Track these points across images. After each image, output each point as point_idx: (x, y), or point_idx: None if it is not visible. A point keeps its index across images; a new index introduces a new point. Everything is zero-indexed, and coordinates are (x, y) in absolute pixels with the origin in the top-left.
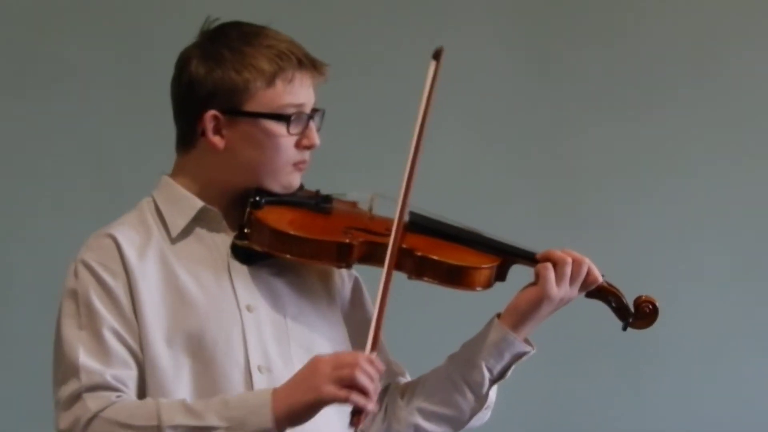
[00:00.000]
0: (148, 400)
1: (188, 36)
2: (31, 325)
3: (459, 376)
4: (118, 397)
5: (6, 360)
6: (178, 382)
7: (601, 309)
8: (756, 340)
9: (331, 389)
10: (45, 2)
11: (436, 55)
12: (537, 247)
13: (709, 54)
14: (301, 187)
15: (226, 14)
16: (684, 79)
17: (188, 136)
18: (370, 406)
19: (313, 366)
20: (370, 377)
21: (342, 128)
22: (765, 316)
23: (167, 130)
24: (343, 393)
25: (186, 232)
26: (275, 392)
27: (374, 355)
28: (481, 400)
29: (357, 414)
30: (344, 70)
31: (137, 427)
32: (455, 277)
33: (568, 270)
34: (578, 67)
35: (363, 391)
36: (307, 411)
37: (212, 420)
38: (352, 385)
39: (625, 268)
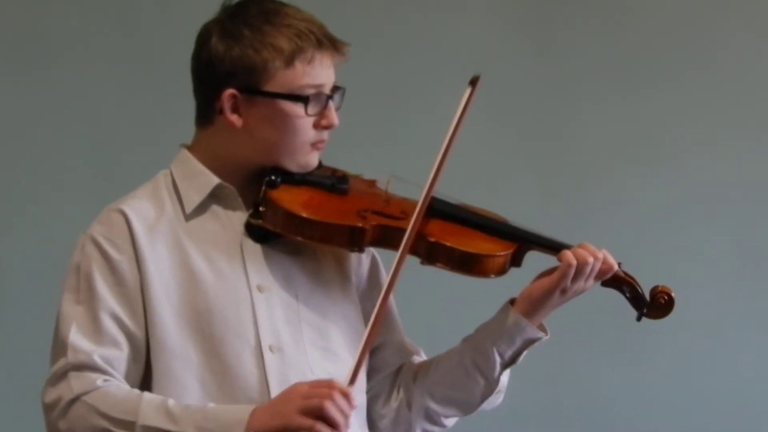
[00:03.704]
0: (133, 393)
1: (188, 8)
2: (29, 313)
3: (470, 361)
4: (105, 381)
5: (3, 342)
6: (186, 362)
7: (599, 289)
8: (756, 320)
9: (297, 418)
10: None
11: (473, 82)
12: (544, 228)
13: (710, 31)
14: (320, 164)
15: None
16: (685, 58)
17: (206, 112)
18: None
19: (288, 392)
20: (340, 410)
21: (350, 107)
22: (762, 296)
23: (169, 113)
24: (308, 422)
25: (201, 208)
26: (254, 411)
27: (351, 389)
28: (491, 384)
29: None
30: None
31: (114, 420)
32: (468, 264)
33: (588, 270)
34: (577, 46)
35: (330, 424)
36: None
37: (186, 427)
38: (320, 416)
39: (626, 246)
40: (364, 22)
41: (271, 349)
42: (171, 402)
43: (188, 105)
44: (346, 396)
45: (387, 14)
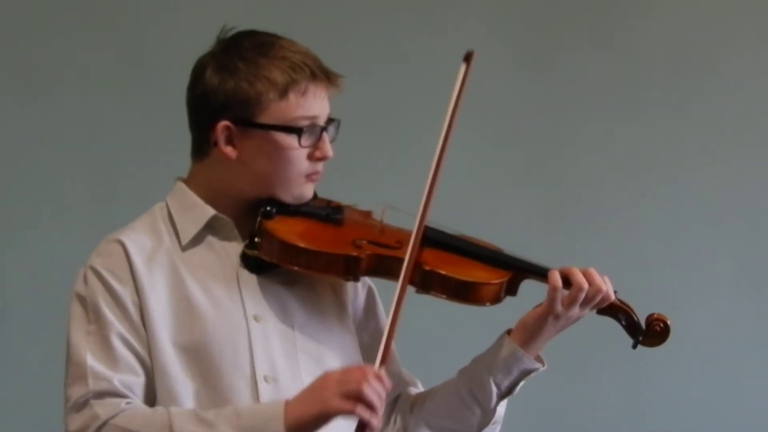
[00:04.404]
0: (160, 409)
1: (187, 38)
2: (29, 329)
3: (467, 391)
4: (128, 403)
5: (4, 364)
6: (185, 388)
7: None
8: (755, 343)
9: (337, 402)
10: (44, 4)
11: (467, 58)
12: (539, 253)
13: (706, 54)
14: (315, 196)
15: (227, 15)
16: (682, 80)
17: (201, 144)
18: (375, 420)
19: (322, 380)
20: (376, 392)
21: (346, 133)
22: (764, 319)
23: (168, 134)
24: (348, 405)
25: (197, 239)
26: (287, 404)
27: (383, 371)
28: (488, 414)
29: (362, 428)
30: (345, 72)
31: None
32: (463, 292)
33: (582, 296)
34: (577, 68)
35: (369, 405)
36: (315, 423)
37: (224, 430)
38: (359, 399)
39: (627, 268)
40: (360, 47)
41: (266, 379)
42: (198, 410)
43: (189, 132)
44: (379, 378)
45: (383, 39)
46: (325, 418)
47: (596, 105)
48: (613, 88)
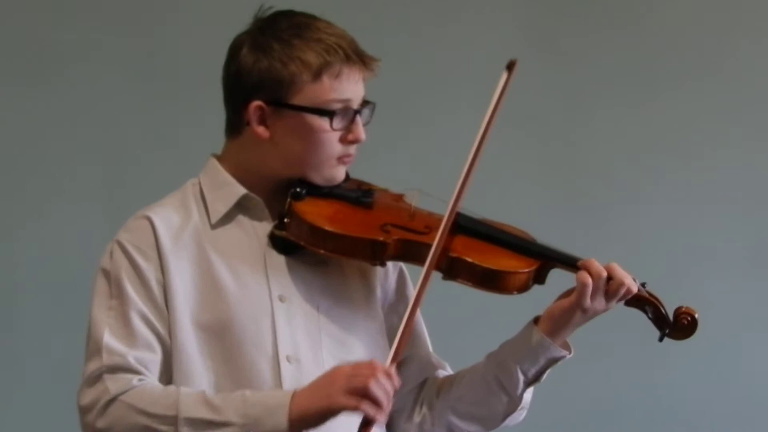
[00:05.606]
0: (170, 388)
1: (203, 24)
2: (38, 318)
3: (493, 378)
4: (140, 380)
5: (13, 353)
6: (204, 367)
7: None
8: None
9: (342, 398)
10: None
11: (509, 67)
12: (551, 239)
13: (719, 39)
14: (347, 177)
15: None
16: (695, 64)
17: (235, 123)
18: (380, 417)
19: (331, 373)
20: (383, 389)
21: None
22: None
23: (181, 125)
24: (353, 402)
25: (227, 218)
26: (294, 395)
27: (393, 368)
28: (514, 401)
29: (366, 425)
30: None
31: (154, 416)
32: (490, 280)
33: (602, 285)
34: (589, 53)
35: (375, 402)
36: (320, 417)
37: (229, 416)
38: (365, 395)
39: (639, 253)
40: (380, 34)
41: (288, 359)
42: (208, 393)
43: (201, 117)
44: (388, 375)
45: (400, 25)
46: (330, 413)
47: (609, 88)
48: (626, 73)
